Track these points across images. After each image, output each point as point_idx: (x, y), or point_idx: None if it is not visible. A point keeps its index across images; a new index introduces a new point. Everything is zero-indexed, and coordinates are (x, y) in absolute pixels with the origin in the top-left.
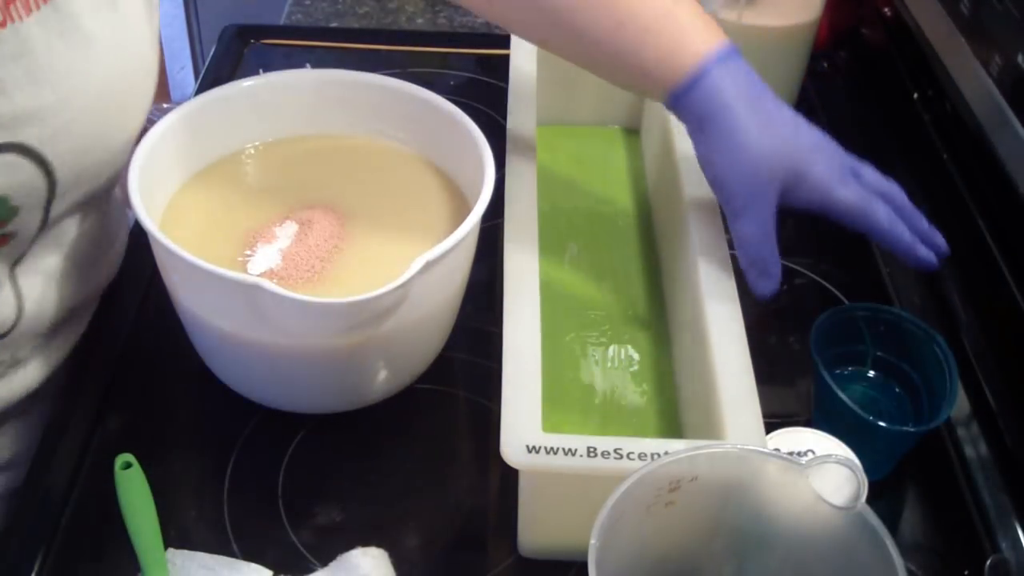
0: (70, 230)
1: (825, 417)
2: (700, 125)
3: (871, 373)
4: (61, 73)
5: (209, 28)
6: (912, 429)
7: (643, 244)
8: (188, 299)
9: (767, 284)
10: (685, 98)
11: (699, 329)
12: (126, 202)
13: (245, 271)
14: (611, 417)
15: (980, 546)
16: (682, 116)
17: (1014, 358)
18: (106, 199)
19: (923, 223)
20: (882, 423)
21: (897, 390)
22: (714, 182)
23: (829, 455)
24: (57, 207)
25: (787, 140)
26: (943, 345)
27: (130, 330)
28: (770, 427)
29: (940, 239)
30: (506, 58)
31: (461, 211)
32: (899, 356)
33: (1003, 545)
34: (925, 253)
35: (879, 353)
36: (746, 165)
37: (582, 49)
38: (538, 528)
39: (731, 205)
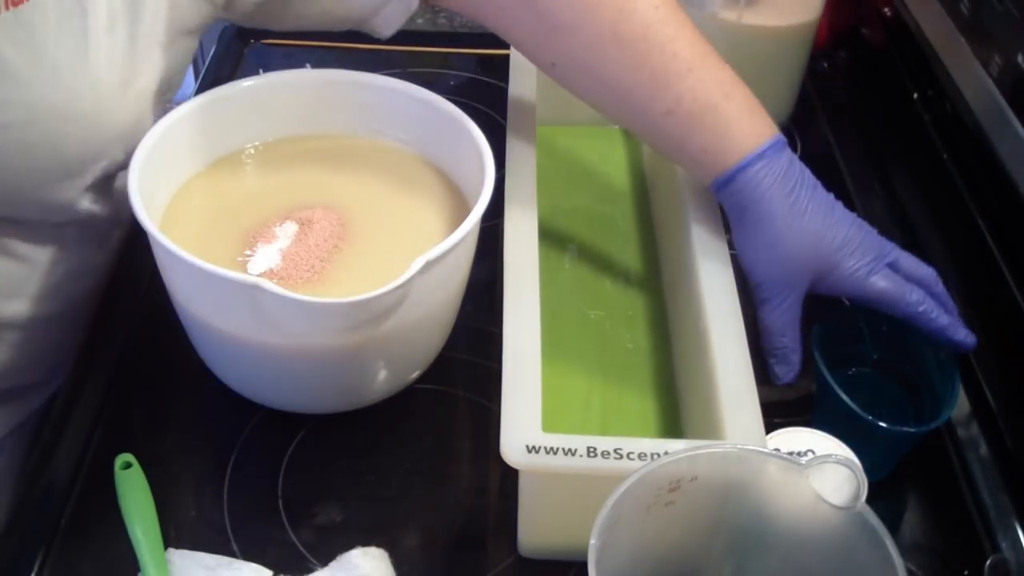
0: (10, 245)
1: (826, 417)
2: (738, 214)
3: (872, 373)
4: (7, 76)
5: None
6: (913, 430)
7: (643, 244)
8: (188, 299)
9: (786, 371)
10: (724, 189)
11: (699, 329)
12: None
13: (245, 271)
14: (611, 417)
15: (980, 546)
16: (723, 203)
17: (1014, 358)
18: (64, 234)
19: (954, 312)
20: (883, 423)
21: (898, 390)
22: (746, 269)
23: (829, 455)
24: None
25: (818, 236)
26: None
27: (130, 330)
28: (770, 427)
29: (970, 335)
30: (506, 58)
31: (461, 211)
32: (900, 356)
33: (1003, 545)
34: (964, 335)
35: (880, 353)
36: (775, 259)
37: (636, 125)
38: (538, 528)
39: (758, 293)
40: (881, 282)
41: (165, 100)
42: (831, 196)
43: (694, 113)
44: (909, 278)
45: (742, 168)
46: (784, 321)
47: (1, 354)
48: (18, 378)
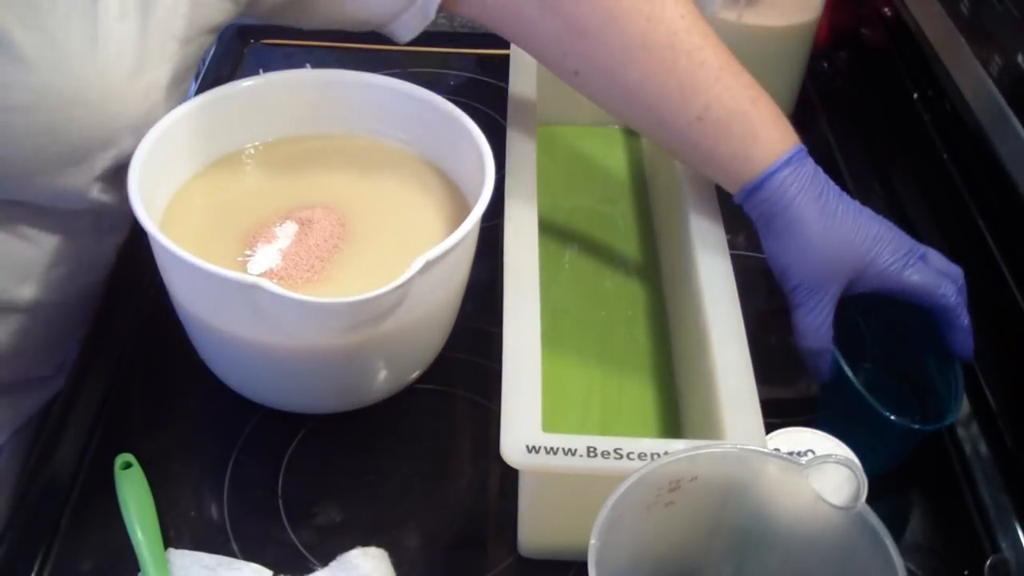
0: (6, 219)
1: (831, 411)
2: (767, 221)
3: (871, 370)
4: (18, 59)
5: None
6: (919, 427)
7: (643, 244)
8: (188, 299)
9: (820, 372)
10: (753, 196)
11: (699, 329)
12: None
13: (245, 271)
14: (611, 417)
15: (980, 546)
16: (751, 212)
17: (1014, 358)
18: (78, 222)
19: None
20: (894, 417)
21: (897, 388)
22: (780, 274)
23: (829, 455)
24: None
25: (851, 236)
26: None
27: (130, 330)
28: (770, 427)
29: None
30: (506, 58)
31: (461, 211)
32: (899, 354)
33: (1003, 545)
34: (971, 345)
35: (878, 351)
36: (810, 261)
37: (662, 134)
38: (538, 528)
39: (794, 297)
40: (915, 275)
41: (181, 92)
42: (855, 201)
43: (722, 120)
44: (939, 272)
45: (772, 174)
46: (820, 322)
47: (9, 339)
48: (24, 368)
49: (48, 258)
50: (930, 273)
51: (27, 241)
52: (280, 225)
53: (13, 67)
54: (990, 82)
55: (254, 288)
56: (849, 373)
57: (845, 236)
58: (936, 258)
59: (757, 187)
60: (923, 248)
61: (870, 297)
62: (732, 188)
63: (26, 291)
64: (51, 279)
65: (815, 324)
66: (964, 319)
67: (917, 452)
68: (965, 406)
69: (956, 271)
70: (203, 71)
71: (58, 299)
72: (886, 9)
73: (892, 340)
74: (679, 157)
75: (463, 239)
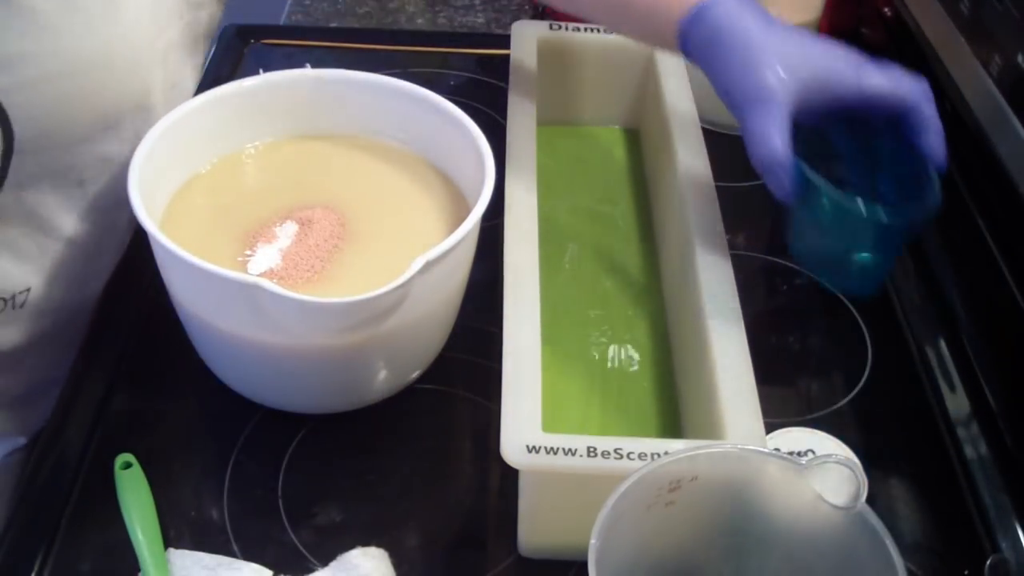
0: (45, 213)
1: (806, 235)
2: (712, 51)
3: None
4: (43, 27)
5: None
6: (911, 215)
7: (643, 244)
8: (188, 299)
9: (778, 188)
10: (694, 29)
11: (699, 329)
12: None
13: (245, 271)
14: (611, 417)
15: (980, 546)
16: (694, 52)
17: (1014, 358)
18: (97, 204)
19: None
20: (882, 208)
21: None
22: (727, 96)
23: (829, 455)
24: (18, 167)
25: (795, 46)
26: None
27: (130, 330)
28: (770, 427)
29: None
30: (506, 58)
31: (461, 211)
32: (867, 177)
33: (1003, 545)
34: (944, 148)
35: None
36: (754, 72)
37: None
38: (538, 528)
39: (741, 111)
40: (875, 78)
41: (196, 65)
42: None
43: None
44: (899, 74)
45: (711, 3)
46: (769, 130)
47: (23, 340)
48: (34, 373)
49: (81, 256)
50: (889, 75)
51: (60, 241)
52: (280, 225)
53: (41, 36)
54: (990, 82)
55: (254, 288)
56: (814, 175)
57: (791, 45)
58: (894, 67)
59: (697, 17)
60: (879, 61)
61: (832, 123)
62: (671, 34)
63: (44, 288)
64: (77, 279)
65: (763, 131)
66: (935, 118)
67: (917, 452)
68: (965, 406)
69: (919, 76)
70: (203, 71)
71: (77, 299)
72: (886, 9)
73: (858, 168)
74: (612, 21)
75: (463, 239)
